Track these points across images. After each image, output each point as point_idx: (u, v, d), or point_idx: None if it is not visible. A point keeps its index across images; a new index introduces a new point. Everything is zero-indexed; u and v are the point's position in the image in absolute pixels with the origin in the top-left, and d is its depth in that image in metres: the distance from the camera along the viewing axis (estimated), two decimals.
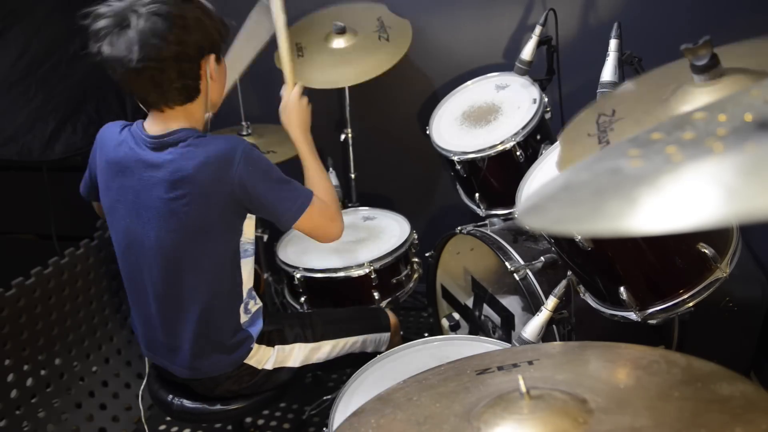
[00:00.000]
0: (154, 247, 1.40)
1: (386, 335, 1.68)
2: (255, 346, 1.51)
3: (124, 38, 1.26)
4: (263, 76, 2.37)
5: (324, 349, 1.60)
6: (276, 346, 1.55)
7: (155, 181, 1.36)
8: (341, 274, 1.88)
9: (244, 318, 1.51)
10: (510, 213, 1.89)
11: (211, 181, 1.33)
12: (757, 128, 0.48)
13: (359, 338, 1.64)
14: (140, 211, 1.40)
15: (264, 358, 1.53)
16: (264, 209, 1.42)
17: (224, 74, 1.46)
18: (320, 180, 1.57)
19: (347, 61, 2.15)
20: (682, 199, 0.45)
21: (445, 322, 2.04)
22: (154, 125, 1.40)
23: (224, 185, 1.34)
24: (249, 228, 1.45)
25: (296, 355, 1.57)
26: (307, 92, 2.55)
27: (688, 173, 0.47)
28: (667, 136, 0.54)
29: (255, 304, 1.55)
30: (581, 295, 1.45)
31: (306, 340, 1.60)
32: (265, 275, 2.36)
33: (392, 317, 1.73)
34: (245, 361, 1.51)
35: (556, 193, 0.58)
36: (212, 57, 1.37)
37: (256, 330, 1.53)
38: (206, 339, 1.47)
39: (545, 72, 2.05)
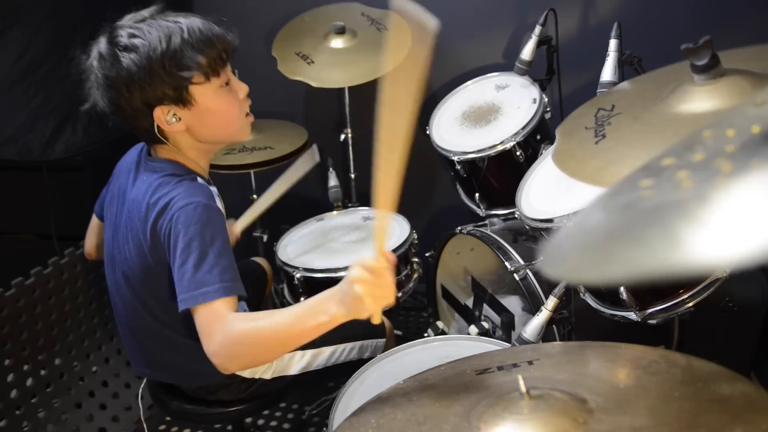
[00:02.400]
0: (120, 267, 1.38)
1: (383, 341, 1.68)
2: None
3: (90, 79, 1.28)
4: (261, 68, 2.37)
5: (323, 355, 1.59)
6: None
7: (128, 201, 1.34)
8: (341, 274, 1.87)
9: None
10: (510, 213, 1.89)
11: (147, 221, 1.26)
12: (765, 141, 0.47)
13: (357, 344, 1.63)
14: (117, 227, 1.38)
15: (260, 369, 1.51)
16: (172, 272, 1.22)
17: (210, 113, 1.29)
18: (292, 329, 1.13)
19: (352, 60, 2.16)
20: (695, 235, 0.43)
21: (430, 333, 2.04)
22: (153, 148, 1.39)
23: (154, 237, 1.25)
24: None
25: (297, 362, 1.56)
26: (311, 89, 2.57)
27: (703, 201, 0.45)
28: (678, 160, 0.52)
29: None
30: (581, 295, 1.45)
31: (306, 347, 1.58)
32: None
33: (387, 323, 1.73)
34: (237, 372, 1.46)
35: (575, 240, 0.55)
36: (160, 110, 1.26)
37: None
38: (179, 362, 1.44)
39: (545, 72, 2.05)
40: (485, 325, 1.90)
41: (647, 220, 0.47)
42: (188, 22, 1.25)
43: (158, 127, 1.29)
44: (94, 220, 1.62)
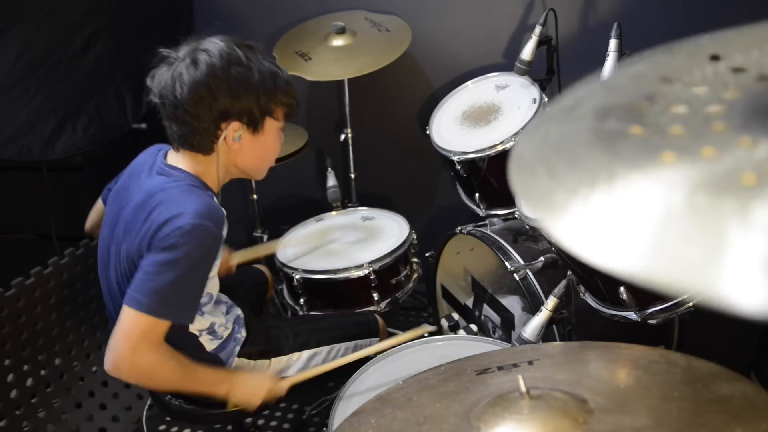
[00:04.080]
0: (114, 269, 1.40)
1: (376, 340, 1.68)
2: (246, 361, 1.50)
3: (164, 74, 1.32)
4: None
5: (320, 356, 1.60)
6: (272, 359, 1.55)
7: (134, 202, 1.36)
8: (340, 275, 1.88)
9: (211, 345, 1.48)
10: (510, 213, 1.89)
11: (151, 224, 1.28)
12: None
13: (351, 343, 1.64)
14: (116, 225, 1.40)
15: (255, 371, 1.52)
16: (138, 269, 1.28)
17: (264, 147, 1.41)
18: (195, 381, 1.37)
19: (350, 56, 2.17)
20: None
21: (444, 323, 2.04)
22: (172, 155, 1.43)
23: (155, 235, 1.27)
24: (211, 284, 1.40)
25: (294, 364, 1.56)
26: (311, 89, 2.57)
27: None
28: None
29: (225, 329, 1.51)
30: (581, 295, 1.45)
31: (302, 348, 1.60)
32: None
33: (380, 321, 1.73)
34: None
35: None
36: (234, 124, 1.34)
37: (227, 353, 1.50)
38: None
39: (545, 72, 2.05)
40: (473, 327, 1.90)
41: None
42: (284, 70, 1.40)
43: (217, 139, 1.35)
44: (99, 204, 1.65)
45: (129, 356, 1.26)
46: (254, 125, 1.37)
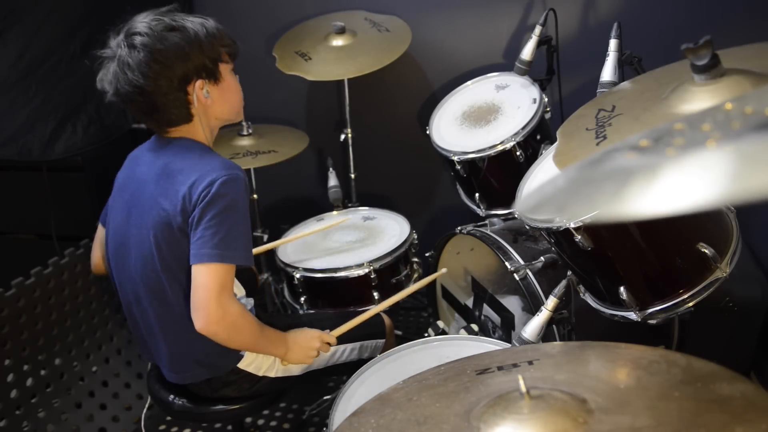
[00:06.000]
0: (134, 245, 1.42)
1: (382, 341, 1.68)
2: (254, 354, 1.50)
3: (110, 70, 1.37)
4: (264, 76, 2.37)
5: (325, 355, 1.60)
6: None
7: (147, 177, 1.42)
8: (341, 274, 1.88)
9: None
10: (510, 213, 1.89)
11: (183, 187, 1.35)
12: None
13: (357, 344, 1.64)
14: (131, 209, 1.44)
15: (264, 364, 1.52)
16: (193, 235, 1.35)
17: (230, 90, 1.47)
18: (265, 337, 1.44)
19: (350, 56, 2.17)
20: (679, 184, 0.47)
21: (430, 332, 2.03)
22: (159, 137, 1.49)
23: (186, 201, 1.34)
24: None
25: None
26: (311, 89, 2.57)
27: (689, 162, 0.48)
28: (687, 126, 0.54)
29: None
30: (581, 295, 1.45)
31: None
32: (266, 275, 2.35)
33: (387, 320, 1.73)
34: (242, 368, 1.49)
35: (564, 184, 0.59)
36: (199, 83, 1.40)
37: None
38: (184, 349, 1.45)
39: (545, 72, 2.05)
40: (474, 327, 1.89)
41: (617, 176, 0.52)
42: (207, 18, 1.44)
43: (191, 104, 1.41)
44: (101, 231, 1.61)
45: (218, 309, 1.31)
46: (213, 76, 1.43)
